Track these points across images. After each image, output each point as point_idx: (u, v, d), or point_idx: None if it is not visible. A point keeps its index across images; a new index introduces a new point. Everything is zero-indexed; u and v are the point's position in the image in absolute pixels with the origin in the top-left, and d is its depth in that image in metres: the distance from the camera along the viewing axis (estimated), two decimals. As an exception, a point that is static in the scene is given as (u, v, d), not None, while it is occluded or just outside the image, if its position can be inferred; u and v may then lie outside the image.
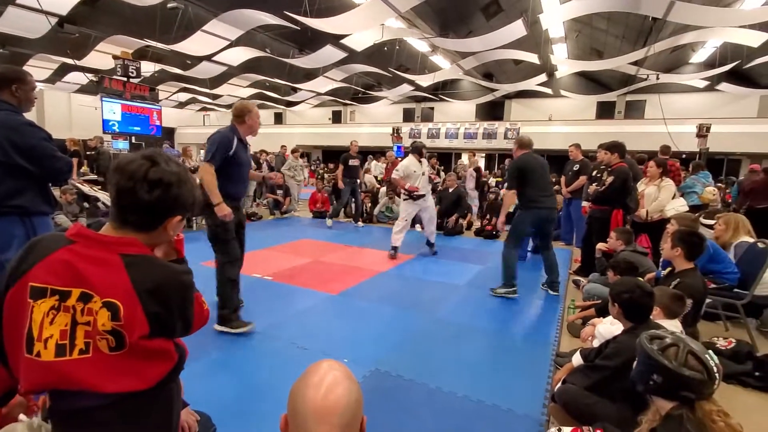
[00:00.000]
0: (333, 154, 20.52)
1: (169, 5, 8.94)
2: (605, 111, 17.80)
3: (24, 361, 0.89)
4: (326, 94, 18.17)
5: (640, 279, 2.36)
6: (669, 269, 2.82)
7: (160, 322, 0.94)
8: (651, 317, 1.97)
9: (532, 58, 11.44)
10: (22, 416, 1.31)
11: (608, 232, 4.18)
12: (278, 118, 25.46)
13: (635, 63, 11.44)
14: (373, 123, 21.77)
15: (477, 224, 7.93)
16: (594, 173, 5.05)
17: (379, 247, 6.21)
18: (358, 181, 8.17)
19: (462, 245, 6.70)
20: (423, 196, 5.52)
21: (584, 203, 5.22)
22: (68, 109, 19.57)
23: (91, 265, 0.90)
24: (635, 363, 1.43)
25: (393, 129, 14.86)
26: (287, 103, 21.02)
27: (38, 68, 13.13)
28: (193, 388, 1.65)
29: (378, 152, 14.61)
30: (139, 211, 0.95)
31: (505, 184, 4.88)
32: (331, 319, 3.44)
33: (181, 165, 1.01)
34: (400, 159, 9.51)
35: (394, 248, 5.52)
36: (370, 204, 8.96)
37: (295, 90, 17.61)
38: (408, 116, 22.20)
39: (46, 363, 0.87)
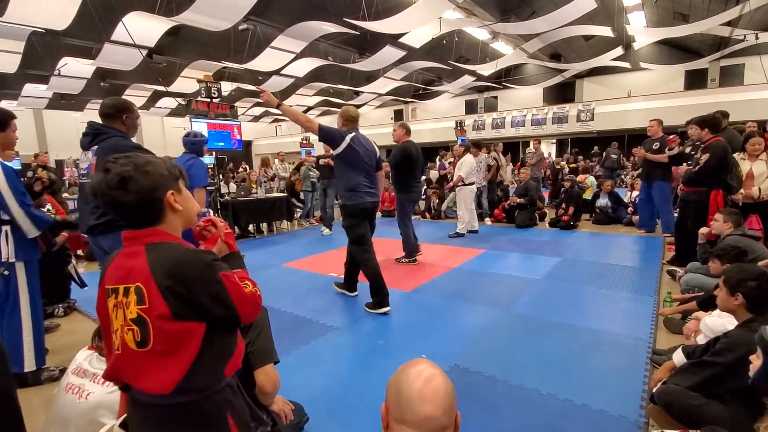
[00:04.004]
0: (397, 153, 20.65)
1: (240, 27, 9.64)
2: (695, 80, 15.89)
3: (111, 352, 1.03)
4: (387, 94, 18.38)
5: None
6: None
7: (178, 297, 0.93)
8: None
9: (605, 31, 10.58)
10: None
11: (706, 216, 3.74)
12: (342, 122, 26.26)
13: (728, 23, 10.05)
14: (436, 118, 21.58)
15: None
16: (688, 150, 4.56)
17: (450, 243, 6.17)
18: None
19: (536, 237, 6.41)
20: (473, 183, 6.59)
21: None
22: (162, 132, 21.99)
23: (128, 260, 0.99)
24: (760, 364, 1.27)
25: (456, 122, 14.58)
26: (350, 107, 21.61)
27: (134, 96, 14.88)
28: (285, 380, 1.79)
29: (442, 148, 14.43)
30: (134, 210, 1.00)
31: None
32: (407, 316, 3.49)
33: (130, 154, 1.03)
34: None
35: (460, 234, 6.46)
36: (437, 200, 8.92)
37: (358, 93, 18.06)
38: (471, 108, 21.68)
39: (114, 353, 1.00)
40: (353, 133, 3.45)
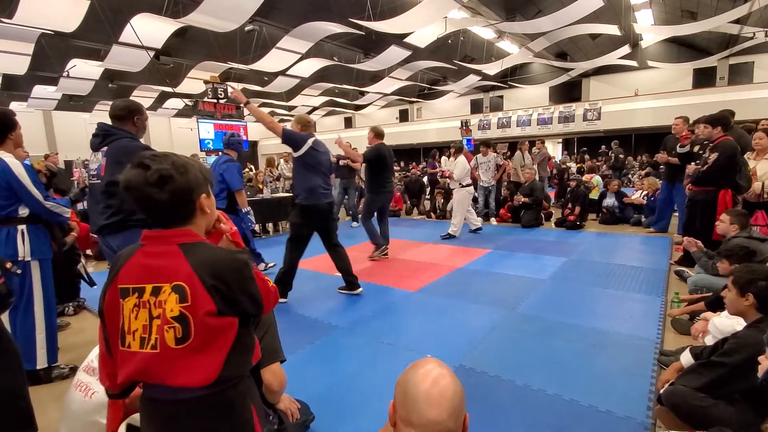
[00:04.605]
0: (401, 153, 20.69)
1: (246, 28, 9.69)
2: (704, 78, 15.72)
3: (119, 354, 1.01)
4: (392, 93, 18.38)
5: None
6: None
7: (222, 295, 0.98)
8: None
9: (612, 29, 10.50)
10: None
11: (714, 216, 3.71)
12: (348, 122, 26.31)
13: (737, 21, 9.94)
14: (441, 118, 21.55)
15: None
16: (697, 149, 4.52)
17: (454, 243, 6.16)
18: (353, 180, 7.98)
19: (542, 237, 6.38)
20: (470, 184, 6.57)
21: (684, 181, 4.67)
22: (169, 132, 22.14)
23: (157, 259, 0.99)
24: None
25: (461, 122, 14.54)
26: (355, 107, 21.61)
27: (142, 98, 14.99)
28: (291, 379, 1.80)
29: (447, 148, 14.40)
30: (167, 210, 1.02)
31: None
32: (412, 316, 3.50)
33: (168, 154, 1.06)
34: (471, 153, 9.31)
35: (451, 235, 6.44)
36: (442, 200, 8.91)
37: (363, 93, 18.07)
38: (476, 107, 21.62)
39: (133, 353, 0.98)
40: (314, 137, 3.68)
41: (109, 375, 1.08)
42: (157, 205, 1.00)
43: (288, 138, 3.58)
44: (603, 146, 14.59)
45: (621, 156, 11.39)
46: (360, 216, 5.41)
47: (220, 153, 4.32)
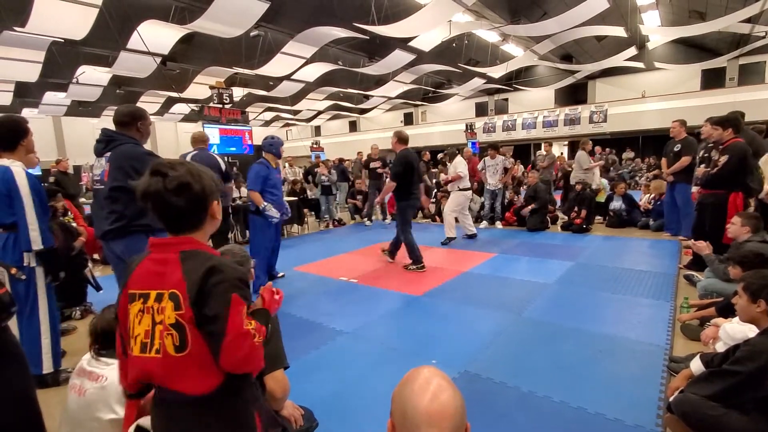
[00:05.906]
0: (407, 156, 20.68)
1: (251, 34, 9.76)
2: (713, 79, 15.53)
3: (129, 356, 1.05)
4: (397, 97, 18.37)
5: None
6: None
7: (198, 307, 0.96)
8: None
9: (618, 31, 10.44)
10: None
11: (724, 220, 3.65)
12: (353, 126, 26.37)
13: (748, 20, 9.82)
14: (446, 121, 21.54)
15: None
16: (702, 153, 4.45)
17: (459, 246, 6.13)
18: (381, 182, 8.45)
19: (548, 241, 6.33)
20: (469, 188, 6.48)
21: (693, 188, 4.62)
22: (175, 137, 22.33)
23: (160, 266, 1.02)
24: None
25: (466, 125, 14.51)
26: (360, 110, 21.66)
27: (149, 103, 15.13)
28: (295, 385, 1.79)
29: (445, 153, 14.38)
30: (182, 216, 1.05)
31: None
32: (417, 320, 3.47)
33: (184, 162, 1.08)
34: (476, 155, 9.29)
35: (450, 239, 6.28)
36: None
37: (367, 97, 18.10)
38: (481, 110, 21.58)
39: (134, 357, 1.01)
40: (194, 152, 4.35)
41: (124, 375, 1.11)
42: (174, 211, 1.03)
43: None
44: (607, 149, 14.42)
45: (609, 157, 11.57)
46: (398, 228, 5.02)
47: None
